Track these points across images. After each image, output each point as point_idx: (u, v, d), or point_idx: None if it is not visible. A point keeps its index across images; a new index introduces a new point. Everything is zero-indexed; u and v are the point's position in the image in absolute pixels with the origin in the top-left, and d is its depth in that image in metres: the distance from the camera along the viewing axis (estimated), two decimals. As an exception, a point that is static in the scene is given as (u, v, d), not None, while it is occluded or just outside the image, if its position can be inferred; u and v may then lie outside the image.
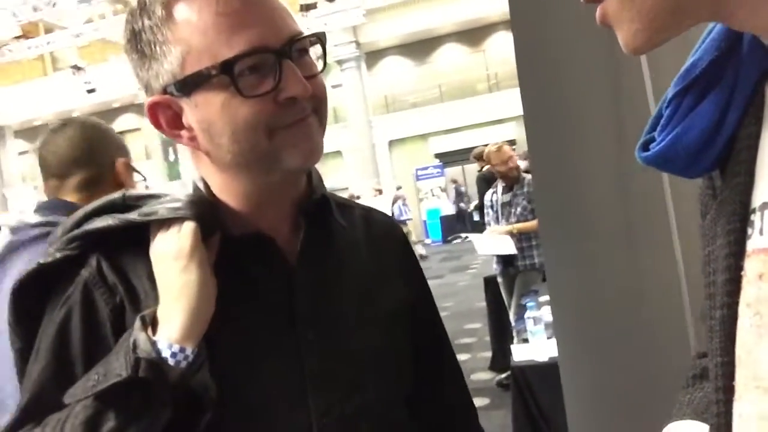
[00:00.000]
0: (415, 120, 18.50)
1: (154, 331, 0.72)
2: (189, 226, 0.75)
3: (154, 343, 0.70)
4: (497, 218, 4.82)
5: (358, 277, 0.87)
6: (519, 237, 4.61)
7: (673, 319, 1.59)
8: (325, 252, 0.85)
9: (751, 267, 0.52)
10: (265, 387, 0.77)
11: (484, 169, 5.96)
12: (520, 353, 2.81)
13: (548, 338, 2.85)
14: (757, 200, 0.53)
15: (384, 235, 0.94)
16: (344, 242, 0.88)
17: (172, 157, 19.65)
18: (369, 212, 0.97)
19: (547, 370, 2.58)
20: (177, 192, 0.81)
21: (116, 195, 0.82)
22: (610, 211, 1.61)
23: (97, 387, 0.69)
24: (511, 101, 17.58)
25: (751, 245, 0.53)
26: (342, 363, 0.81)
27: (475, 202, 7.20)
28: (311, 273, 0.82)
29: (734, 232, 0.54)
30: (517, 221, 4.66)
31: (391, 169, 18.80)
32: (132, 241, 0.77)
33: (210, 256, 0.76)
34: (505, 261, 4.71)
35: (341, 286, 0.84)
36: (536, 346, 2.82)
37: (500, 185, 4.86)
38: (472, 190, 15.57)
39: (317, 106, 0.77)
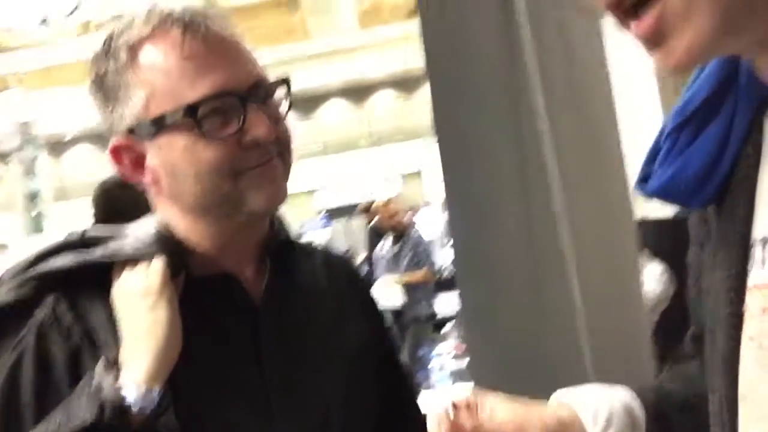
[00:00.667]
0: (300, 175, 18.48)
1: (118, 374, 0.70)
2: (158, 264, 0.74)
3: (119, 387, 0.68)
4: (387, 270, 4.89)
5: (322, 318, 0.87)
6: (406, 289, 4.69)
7: (571, 356, 1.67)
8: (289, 293, 0.85)
9: (753, 301, 0.52)
10: (232, 428, 0.76)
11: (372, 223, 6.06)
12: (425, 401, 2.82)
13: (453, 384, 2.91)
14: (757, 233, 0.53)
15: (343, 275, 0.96)
16: (307, 284, 0.88)
17: (34, 212, 18.29)
18: (329, 255, 0.99)
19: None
20: (140, 230, 0.80)
21: (74, 234, 0.80)
22: (517, 260, 1.68)
23: None
24: (395, 157, 18.18)
25: (752, 280, 0.53)
26: (310, 403, 0.80)
27: (363, 254, 7.26)
28: (276, 313, 0.81)
29: (735, 266, 0.54)
30: (404, 273, 4.76)
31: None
32: (90, 282, 0.75)
33: (176, 295, 0.75)
34: (395, 314, 4.77)
35: (306, 326, 0.85)
36: (442, 392, 2.84)
37: (390, 237, 4.96)
38: (356, 245, 15.77)
39: (282, 149, 0.78)
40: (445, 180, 1.61)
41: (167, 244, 0.77)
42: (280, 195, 0.78)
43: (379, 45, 17.27)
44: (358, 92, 20.02)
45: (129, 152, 0.77)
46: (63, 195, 20.17)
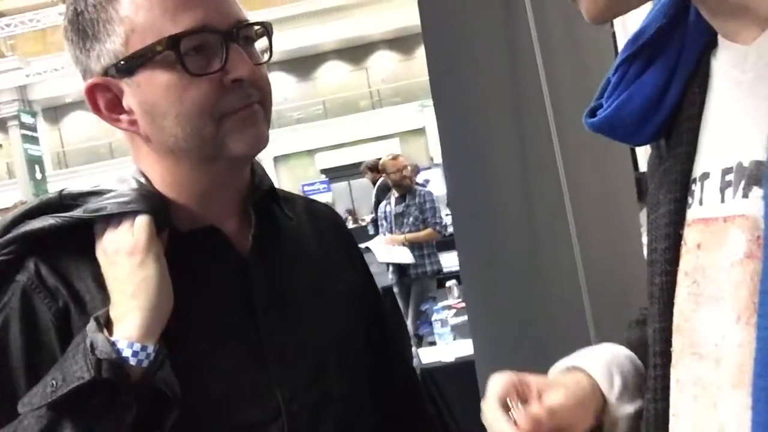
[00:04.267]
0: (301, 136, 18.45)
1: (110, 332, 0.68)
2: (143, 220, 0.72)
3: (113, 344, 0.67)
4: (391, 228, 4.93)
5: (310, 266, 0.87)
6: (411, 246, 4.73)
7: (573, 310, 1.71)
8: (276, 242, 0.84)
9: (690, 236, 0.53)
10: (229, 379, 0.76)
11: (379, 181, 6.08)
12: (427, 356, 2.89)
13: (454, 339, 2.96)
14: (698, 170, 0.53)
15: (328, 224, 0.95)
16: (292, 233, 0.87)
17: (39, 176, 18.31)
18: (311, 203, 0.97)
19: (455, 370, 2.67)
20: (121, 186, 0.77)
21: (52, 195, 0.77)
22: (515, 215, 1.72)
23: (57, 392, 0.65)
24: (394, 118, 18.08)
25: (690, 215, 0.53)
26: (303, 349, 0.81)
27: (370, 216, 7.28)
28: (265, 262, 0.81)
29: (675, 201, 0.55)
30: (409, 231, 4.79)
31: (278, 184, 18.53)
32: (72, 242, 0.73)
33: (162, 252, 0.73)
34: (400, 271, 4.82)
35: (295, 274, 0.84)
36: (444, 347, 2.91)
37: (393, 196, 4.98)
38: (358, 204, 15.77)
39: (262, 97, 0.76)
40: (442, 141, 1.63)
41: (150, 199, 0.74)
42: (261, 140, 0.76)
43: (376, 3, 17.02)
44: (357, 52, 19.76)
45: (105, 92, 0.74)
46: (63, 161, 20.18)
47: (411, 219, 4.83)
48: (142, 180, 0.78)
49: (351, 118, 18.75)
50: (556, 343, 1.74)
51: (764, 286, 0.41)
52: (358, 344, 0.88)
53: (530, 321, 1.73)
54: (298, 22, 17.83)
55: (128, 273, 0.70)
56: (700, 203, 0.52)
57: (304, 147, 18.65)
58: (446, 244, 4.88)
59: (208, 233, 0.78)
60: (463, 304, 3.65)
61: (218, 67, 0.71)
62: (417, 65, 17.99)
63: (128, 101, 0.74)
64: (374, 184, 6.43)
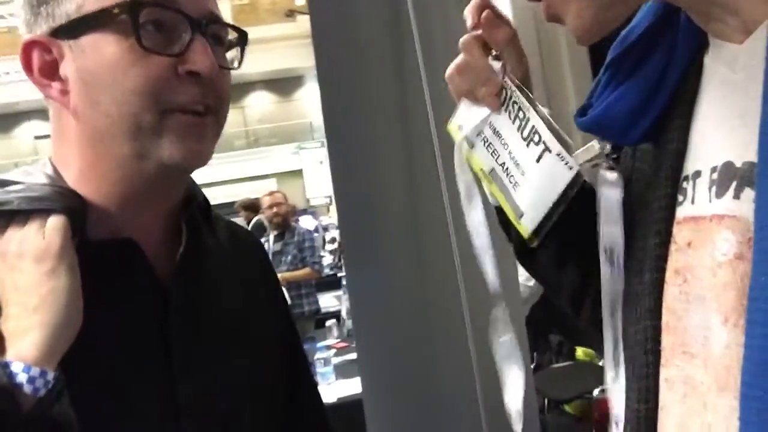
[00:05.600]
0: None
1: (2, 351, 0.59)
2: (59, 221, 0.62)
3: (5, 365, 0.57)
4: (269, 268, 4.85)
5: (233, 300, 0.78)
6: (288, 286, 4.66)
7: (458, 346, 1.74)
8: (201, 268, 0.75)
9: (681, 234, 0.52)
10: (132, 418, 0.67)
11: (254, 220, 5.98)
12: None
13: (336, 379, 2.95)
14: (689, 168, 0.53)
15: (252, 254, 0.87)
16: (216, 259, 0.78)
17: None
18: (232, 226, 0.88)
19: (338, 410, 2.64)
20: (28, 179, 0.67)
21: None
22: (404, 250, 1.74)
23: None
24: (271, 159, 17.91)
25: (681, 213, 0.52)
26: (220, 395, 0.72)
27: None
28: (188, 291, 0.72)
29: (665, 198, 0.54)
30: (287, 270, 4.73)
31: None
32: None
33: (77, 262, 0.63)
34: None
35: (216, 307, 0.76)
36: (324, 387, 2.87)
37: (272, 234, 4.91)
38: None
39: (217, 106, 0.69)
40: (334, 179, 1.63)
41: (67, 197, 0.65)
42: (202, 156, 0.68)
43: (255, 43, 16.99)
44: (234, 90, 19.55)
45: (44, 53, 0.66)
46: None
47: (289, 257, 4.78)
48: (52, 174, 0.69)
49: (226, 156, 18.38)
50: (440, 384, 1.77)
51: (754, 293, 0.41)
52: (276, 393, 0.80)
53: (417, 360, 1.74)
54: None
55: (33, 282, 0.60)
56: (692, 202, 0.52)
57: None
58: (324, 284, 4.85)
59: (124, 246, 0.68)
60: (344, 344, 3.65)
61: (177, 51, 0.64)
62: (294, 107, 18.06)
63: (66, 68, 0.66)
64: (248, 223, 6.34)
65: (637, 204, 0.59)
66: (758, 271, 0.41)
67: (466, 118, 0.69)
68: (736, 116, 0.48)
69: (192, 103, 0.66)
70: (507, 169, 0.66)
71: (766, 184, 0.41)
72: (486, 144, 0.68)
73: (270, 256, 4.54)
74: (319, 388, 3.05)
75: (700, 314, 0.49)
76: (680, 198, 0.53)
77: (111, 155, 0.67)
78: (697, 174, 0.52)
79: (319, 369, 2.95)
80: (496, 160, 0.67)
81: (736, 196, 0.46)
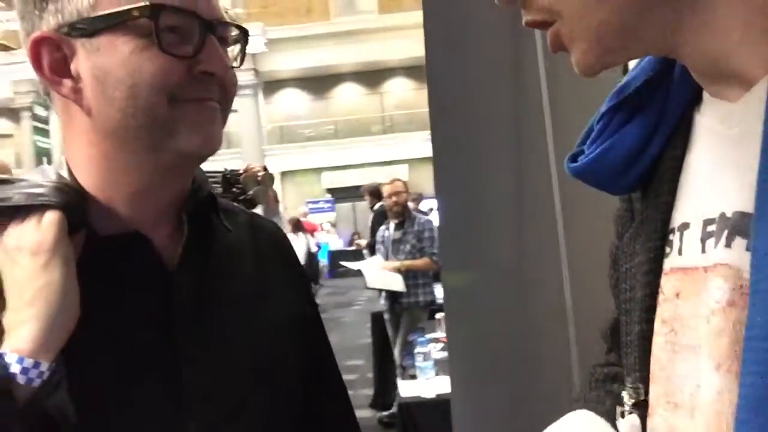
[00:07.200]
0: (309, 153, 18.53)
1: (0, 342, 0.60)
2: (53, 216, 0.63)
3: (0, 357, 0.58)
4: (387, 254, 4.88)
5: (244, 286, 0.79)
6: (406, 274, 4.68)
7: (558, 353, 1.66)
8: (209, 256, 0.76)
9: (668, 285, 0.54)
10: (136, 410, 0.67)
11: (377, 206, 6.05)
12: (407, 389, 2.83)
13: (436, 375, 2.89)
14: (677, 220, 0.55)
15: (271, 242, 0.87)
16: (229, 247, 0.79)
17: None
18: (253, 218, 0.89)
19: (435, 407, 2.61)
20: (36, 177, 0.69)
21: None
22: (507, 251, 1.68)
23: None
24: (405, 145, 18.14)
25: (669, 264, 0.54)
26: (227, 381, 0.72)
27: (366, 239, 7.25)
28: (192, 278, 0.73)
29: (654, 250, 0.55)
30: (406, 258, 4.74)
31: (282, 200, 18.62)
32: None
33: (74, 255, 0.65)
34: (392, 298, 4.77)
35: (225, 294, 0.76)
36: (424, 382, 2.84)
37: (392, 222, 4.94)
38: (361, 227, 15.76)
39: (224, 99, 0.71)
40: (436, 170, 1.60)
41: (65, 192, 0.66)
42: (215, 140, 0.70)
43: (396, 30, 17.17)
44: (373, 76, 19.93)
45: (54, 50, 0.66)
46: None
47: (408, 246, 4.79)
48: (64, 173, 0.70)
49: (362, 140, 18.83)
50: (538, 390, 1.69)
51: (749, 334, 0.42)
52: (288, 380, 0.79)
53: (514, 362, 1.68)
54: (318, 41, 18.00)
55: (29, 275, 0.62)
56: (680, 253, 0.53)
57: (311, 165, 18.70)
58: (443, 274, 4.82)
59: (132, 240, 0.70)
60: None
61: (191, 53, 0.67)
62: (432, 94, 18.06)
63: (79, 65, 0.66)
64: (372, 208, 6.41)
65: (624, 257, 0.60)
66: (754, 314, 0.42)
67: None
68: (730, 170, 0.49)
69: (201, 97, 0.69)
70: None
71: (762, 229, 0.42)
72: None
73: (390, 244, 4.61)
74: (416, 382, 3.02)
75: (689, 363, 0.50)
76: (667, 250, 0.55)
77: (124, 151, 0.68)
78: (685, 226, 0.53)
79: (419, 363, 2.92)
80: None
81: (728, 245, 0.48)
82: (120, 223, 0.70)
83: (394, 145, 18.20)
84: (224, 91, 0.71)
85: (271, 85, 19.35)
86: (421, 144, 17.54)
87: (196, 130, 0.68)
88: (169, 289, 0.71)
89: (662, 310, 0.54)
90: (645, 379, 0.55)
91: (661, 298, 0.54)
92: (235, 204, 0.89)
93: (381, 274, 4.77)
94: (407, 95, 19.69)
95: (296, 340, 0.82)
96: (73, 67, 0.67)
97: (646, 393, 0.55)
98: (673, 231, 0.54)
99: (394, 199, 4.81)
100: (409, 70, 19.19)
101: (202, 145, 0.69)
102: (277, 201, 3.97)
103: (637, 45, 0.51)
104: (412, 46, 16.96)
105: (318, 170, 18.98)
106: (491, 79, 1.60)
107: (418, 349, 3.04)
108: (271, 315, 0.80)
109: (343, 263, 6.81)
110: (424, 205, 9.87)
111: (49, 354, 0.60)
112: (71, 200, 0.66)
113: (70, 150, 0.71)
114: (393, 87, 20.06)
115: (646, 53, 0.54)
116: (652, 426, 0.54)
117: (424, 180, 16.56)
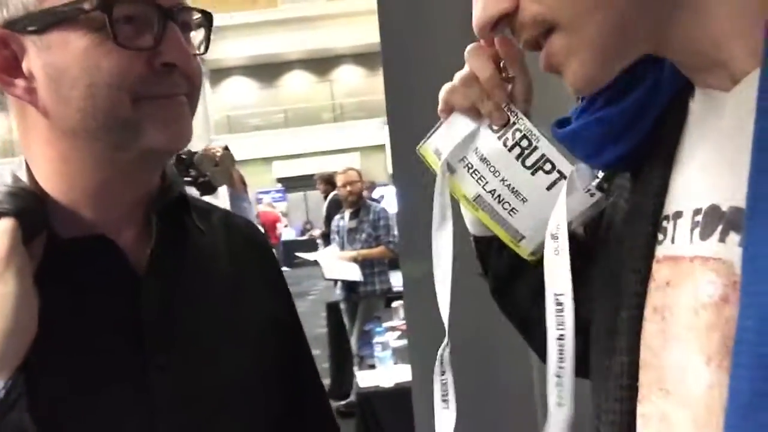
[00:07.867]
0: (259, 143, 18.27)
1: None
2: (6, 224, 0.59)
3: None
4: (342, 244, 4.86)
5: (218, 289, 0.75)
6: (362, 263, 4.67)
7: (520, 339, 1.67)
8: (180, 258, 0.73)
9: (660, 273, 0.53)
10: (104, 420, 0.64)
11: (331, 195, 6.01)
12: (365, 379, 2.81)
13: (395, 364, 2.89)
14: (670, 208, 0.54)
15: (245, 241, 0.83)
16: (202, 249, 0.76)
17: None
18: (229, 217, 0.85)
19: (393, 396, 2.60)
20: None
21: None
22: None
23: None
24: (356, 133, 18.07)
25: (661, 251, 0.54)
26: (199, 387, 0.69)
27: (320, 229, 7.19)
28: (162, 282, 0.69)
29: (645, 236, 0.55)
30: (362, 247, 4.73)
31: (232, 191, 18.36)
32: None
33: (32, 263, 0.61)
34: (349, 287, 4.75)
35: (199, 298, 0.73)
36: (382, 372, 2.84)
37: (347, 211, 4.92)
38: (314, 216, 15.65)
39: (191, 91, 0.67)
40: (394, 158, 1.58)
41: (20, 198, 0.62)
42: (184, 136, 0.66)
43: (345, 16, 17.06)
44: (322, 64, 19.76)
45: (1, 47, 0.62)
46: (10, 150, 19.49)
47: (364, 235, 4.78)
48: (22, 175, 0.67)
49: (312, 128, 18.67)
50: (499, 376, 1.69)
51: (740, 335, 0.42)
52: (266, 382, 0.76)
53: (475, 349, 1.68)
54: (265, 28, 17.73)
55: None
56: (672, 241, 0.53)
57: (261, 154, 18.47)
58: (398, 262, 4.82)
59: (96, 242, 0.66)
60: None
61: (150, 44, 0.62)
62: (382, 82, 18.04)
63: (30, 63, 0.62)
64: (326, 197, 6.36)
65: (614, 240, 0.60)
66: (744, 315, 0.41)
67: (444, 142, 0.69)
68: (723, 162, 0.49)
69: (168, 93, 0.65)
70: (499, 195, 0.68)
71: (753, 228, 0.42)
72: (470, 170, 0.68)
73: (345, 233, 4.57)
74: (376, 372, 3.01)
75: (678, 353, 0.50)
76: (660, 237, 0.54)
77: (84, 151, 0.65)
78: (678, 215, 0.53)
79: (378, 353, 2.91)
80: (483, 187, 0.68)
81: (722, 240, 0.47)
82: (84, 226, 0.66)
83: (345, 133, 18.12)
84: (190, 82, 0.67)
85: (217, 74, 18.95)
86: (373, 132, 17.53)
87: (163, 128, 0.64)
88: (137, 294, 0.68)
89: (653, 298, 0.54)
90: (635, 364, 0.54)
91: (652, 285, 0.54)
92: (209, 203, 0.85)
93: (338, 264, 4.74)
94: (357, 82, 19.60)
95: (274, 339, 0.79)
96: (24, 65, 0.63)
97: (636, 378, 0.54)
98: (667, 218, 0.54)
99: (348, 188, 4.78)
100: (359, 57, 19.10)
101: (170, 142, 0.66)
102: (244, 183, 3.78)
103: (636, 44, 0.51)
104: (362, 33, 16.88)
105: (268, 160, 18.75)
106: (448, 65, 1.58)
107: (376, 339, 3.03)
108: (249, 317, 0.77)
109: (298, 254, 6.76)
110: (376, 193, 9.89)
111: (3, 372, 0.57)
112: (27, 206, 0.62)
113: (29, 151, 0.67)
114: (343, 74, 19.94)
115: (641, 53, 0.52)
116: (644, 412, 0.54)
117: (376, 168, 16.56)
